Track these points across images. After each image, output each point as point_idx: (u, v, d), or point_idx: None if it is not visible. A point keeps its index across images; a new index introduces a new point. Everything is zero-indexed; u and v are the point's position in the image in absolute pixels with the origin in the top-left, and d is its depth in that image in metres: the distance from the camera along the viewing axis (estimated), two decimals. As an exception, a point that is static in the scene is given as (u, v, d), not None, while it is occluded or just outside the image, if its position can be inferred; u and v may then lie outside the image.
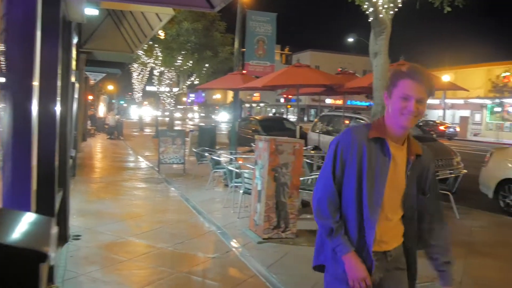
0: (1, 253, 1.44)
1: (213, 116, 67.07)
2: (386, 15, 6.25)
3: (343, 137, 2.37)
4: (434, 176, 2.46)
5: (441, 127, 38.23)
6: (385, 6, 6.19)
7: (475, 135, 42.81)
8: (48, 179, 4.43)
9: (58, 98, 4.68)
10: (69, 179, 6.18)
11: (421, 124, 29.42)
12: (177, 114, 58.50)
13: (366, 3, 6.21)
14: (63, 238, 5.93)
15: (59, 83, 4.70)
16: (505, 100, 38.46)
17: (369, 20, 6.32)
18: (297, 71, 10.06)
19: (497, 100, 38.57)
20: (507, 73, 39.80)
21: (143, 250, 6.06)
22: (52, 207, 4.52)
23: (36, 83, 2.86)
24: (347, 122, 13.72)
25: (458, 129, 40.97)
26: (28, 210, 2.81)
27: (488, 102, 40.73)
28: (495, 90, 38.25)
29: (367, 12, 6.26)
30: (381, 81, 6.43)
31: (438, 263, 2.44)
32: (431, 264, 2.49)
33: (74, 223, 6.82)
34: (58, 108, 4.70)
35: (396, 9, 6.37)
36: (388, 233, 2.35)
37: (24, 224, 1.78)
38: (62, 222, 5.93)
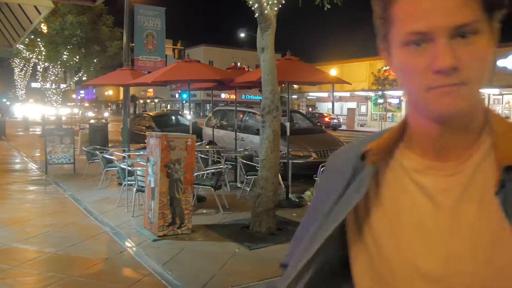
0: None
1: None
2: (270, 11, 6.43)
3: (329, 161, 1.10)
4: None
5: (327, 119, 40.42)
6: (270, 2, 6.37)
7: (362, 125, 45.74)
8: None
9: None
10: None
11: (309, 115, 30.75)
12: (90, 114, 54.42)
13: (251, -1, 6.34)
14: None
15: None
16: (387, 92, 41.21)
17: (255, 16, 6.47)
18: (187, 66, 10.04)
19: (379, 93, 41.19)
20: (388, 67, 42.69)
21: (30, 256, 5.75)
22: None
23: None
24: (241, 116, 13.95)
25: (341, 120, 43.40)
26: None
27: (371, 94, 43.42)
28: (378, 83, 40.83)
29: (253, 8, 6.40)
30: (269, 76, 6.61)
31: None
32: None
33: (-51, 233, 6.29)
34: None
35: (280, 6, 6.58)
36: None
37: None
38: None
